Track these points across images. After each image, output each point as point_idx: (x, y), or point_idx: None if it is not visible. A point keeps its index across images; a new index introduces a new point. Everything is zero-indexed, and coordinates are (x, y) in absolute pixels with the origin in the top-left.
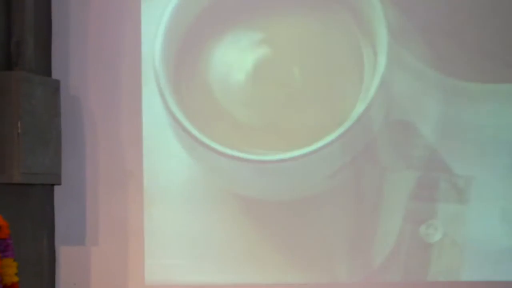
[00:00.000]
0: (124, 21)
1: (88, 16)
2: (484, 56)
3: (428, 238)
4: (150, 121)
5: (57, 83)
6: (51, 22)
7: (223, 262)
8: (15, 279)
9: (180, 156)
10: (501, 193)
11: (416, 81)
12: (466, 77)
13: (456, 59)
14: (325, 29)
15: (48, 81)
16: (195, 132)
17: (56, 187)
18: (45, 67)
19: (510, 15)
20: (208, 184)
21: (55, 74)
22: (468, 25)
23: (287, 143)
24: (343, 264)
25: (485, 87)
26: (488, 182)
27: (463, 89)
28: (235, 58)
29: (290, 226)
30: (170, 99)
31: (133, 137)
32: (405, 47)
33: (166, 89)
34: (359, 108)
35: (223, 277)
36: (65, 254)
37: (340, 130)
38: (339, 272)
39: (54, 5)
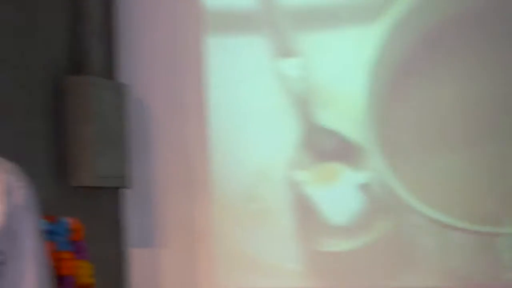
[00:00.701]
0: (189, 24)
1: (154, 20)
2: None
3: None
4: (217, 124)
5: (124, 87)
6: (118, 28)
7: (286, 264)
8: (90, 280)
9: (246, 157)
10: None
11: None
12: None
13: None
14: None
15: (116, 85)
16: None
17: (125, 190)
18: (113, 72)
19: None
20: None
21: (122, 78)
22: None
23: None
24: None
25: None
26: None
27: None
28: None
29: None
30: None
31: (200, 140)
32: None
33: None
34: None
35: (287, 281)
36: (135, 256)
37: None
38: None
39: (120, 11)
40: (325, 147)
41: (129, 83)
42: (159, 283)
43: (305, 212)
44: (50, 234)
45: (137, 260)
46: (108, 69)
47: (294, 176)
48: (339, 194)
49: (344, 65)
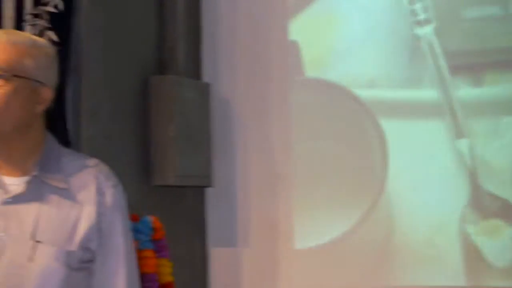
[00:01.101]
0: (273, 24)
1: (237, 19)
2: None
3: None
4: (300, 123)
5: (207, 86)
6: (201, 27)
7: (374, 267)
8: (170, 278)
9: None
10: None
11: None
12: None
13: None
14: None
15: (199, 84)
16: None
17: (207, 190)
18: (196, 71)
19: None
20: None
21: (205, 78)
22: None
23: None
24: None
25: None
26: None
27: None
28: None
29: None
30: None
31: (283, 139)
32: None
33: None
34: None
35: (372, 282)
36: (216, 255)
37: None
38: None
39: (204, 10)
40: (490, 208)
41: (213, 83)
42: (240, 283)
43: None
44: (133, 233)
45: (219, 259)
46: (193, 68)
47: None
48: (501, 245)
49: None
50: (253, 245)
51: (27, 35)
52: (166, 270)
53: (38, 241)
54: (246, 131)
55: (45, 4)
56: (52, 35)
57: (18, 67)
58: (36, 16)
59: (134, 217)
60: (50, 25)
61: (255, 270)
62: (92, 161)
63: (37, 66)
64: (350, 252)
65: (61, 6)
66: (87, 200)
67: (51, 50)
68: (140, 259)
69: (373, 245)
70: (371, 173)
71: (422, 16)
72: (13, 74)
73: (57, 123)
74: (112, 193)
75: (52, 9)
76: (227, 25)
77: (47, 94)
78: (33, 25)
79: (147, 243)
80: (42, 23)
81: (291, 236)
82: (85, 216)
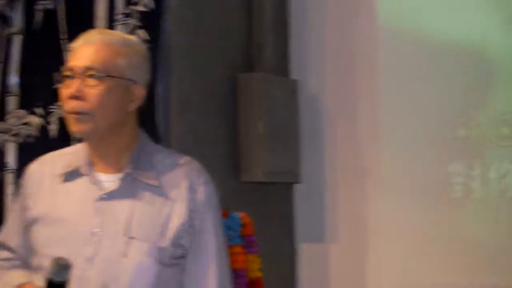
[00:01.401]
0: (361, 20)
1: (325, 16)
2: None
3: None
4: (388, 119)
5: (295, 83)
6: (289, 24)
7: (463, 262)
8: (259, 274)
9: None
10: None
11: None
12: None
13: None
14: None
15: (287, 81)
16: None
17: (295, 186)
18: (284, 68)
19: None
20: None
21: (293, 74)
22: None
23: None
24: None
25: None
26: None
27: None
28: None
29: None
30: None
31: (371, 135)
32: None
33: None
34: None
35: (461, 280)
36: (305, 251)
37: None
38: None
39: (292, 7)
40: None
41: (301, 79)
42: (328, 278)
43: None
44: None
45: (307, 255)
46: (281, 65)
47: None
48: None
49: None
50: (342, 241)
51: (119, 34)
52: (254, 266)
53: (131, 237)
54: (334, 127)
55: (136, 4)
56: (143, 33)
57: (112, 67)
58: (127, 15)
59: (224, 213)
60: (140, 24)
61: (344, 265)
62: (184, 158)
63: (130, 65)
64: (440, 247)
65: (151, 5)
66: (179, 197)
67: (143, 48)
68: (229, 255)
69: (463, 240)
70: None
71: None
72: (107, 74)
73: (148, 120)
74: (204, 190)
75: (142, 8)
76: (315, 21)
77: (140, 92)
78: (124, 24)
79: (236, 239)
80: (133, 22)
81: (380, 232)
82: (176, 213)
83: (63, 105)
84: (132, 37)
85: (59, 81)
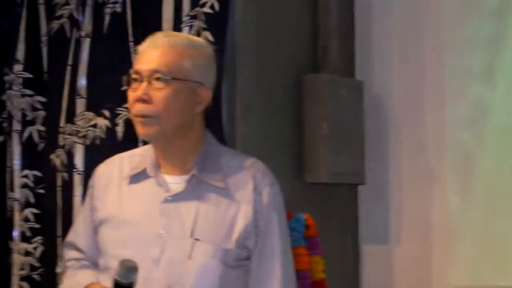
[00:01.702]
0: (427, 20)
1: (391, 16)
2: None
3: None
4: (454, 121)
5: (360, 84)
6: (355, 25)
7: None
8: (323, 275)
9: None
10: None
11: None
12: None
13: None
14: None
15: (352, 82)
16: None
17: (360, 187)
18: (349, 69)
19: None
20: None
21: (358, 75)
22: None
23: None
24: None
25: None
26: None
27: None
28: None
29: None
30: None
31: (437, 137)
32: None
33: None
34: None
35: None
36: (368, 253)
37: None
38: None
39: (357, 8)
40: None
41: (366, 80)
42: (392, 281)
43: None
44: None
45: (370, 257)
46: (346, 66)
47: None
48: None
49: None
50: (406, 244)
51: (185, 36)
52: (318, 267)
53: (196, 239)
54: (400, 129)
55: (202, 6)
56: (208, 35)
57: (178, 70)
58: (193, 17)
59: (288, 215)
60: (206, 26)
61: (408, 268)
62: (250, 160)
63: (196, 67)
64: (507, 250)
65: (217, 6)
66: (244, 198)
67: (209, 50)
68: (293, 256)
69: None
70: None
71: None
72: (173, 77)
73: (213, 121)
74: (269, 192)
75: (208, 10)
76: (381, 21)
77: (206, 94)
78: (190, 26)
79: (300, 240)
80: (199, 24)
81: (445, 235)
82: (242, 214)
83: (130, 108)
84: (198, 39)
85: (126, 84)
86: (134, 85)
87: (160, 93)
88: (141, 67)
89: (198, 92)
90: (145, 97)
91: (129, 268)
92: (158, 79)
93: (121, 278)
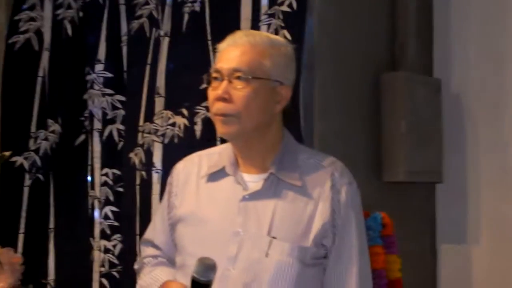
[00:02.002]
0: (506, 17)
1: (470, 15)
2: None
3: None
4: None
5: (438, 82)
6: (433, 23)
7: None
8: (399, 274)
9: None
10: None
11: None
12: None
13: None
14: None
15: (430, 80)
16: None
17: (437, 185)
18: (427, 67)
19: None
20: None
21: (436, 73)
22: None
23: None
24: None
25: None
26: None
27: None
28: None
29: None
30: None
31: None
32: None
33: None
34: None
35: None
36: (446, 252)
37: None
38: None
39: (436, 6)
40: None
41: (445, 78)
42: (469, 280)
43: None
44: None
45: (448, 256)
46: (424, 64)
47: None
48: None
49: None
50: (484, 242)
51: (265, 34)
52: (395, 267)
53: (273, 237)
54: (478, 127)
55: (280, 4)
56: (286, 33)
57: (258, 69)
58: (271, 15)
59: (364, 213)
60: (284, 24)
61: (486, 268)
62: (328, 158)
63: (276, 66)
64: None
65: (295, 5)
66: (322, 197)
67: (289, 48)
68: (369, 255)
69: None
70: None
71: None
72: (253, 76)
73: (291, 120)
74: (347, 190)
75: (286, 9)
76: (459, 19)
77: (286, 93)
78: (268, 24)
79: (376, 239)
80: (277, 22)
81: None
82: (319, 213)
83: (210, 106)
84: (279, 37)
85: (207, 83)
86: (215, 83)
87: (240, 92)
88: (222, 66)
89: (277, 91)
90: (225, 96)
91: (208, 266)
92: (238, 78)
93: (199, 276)
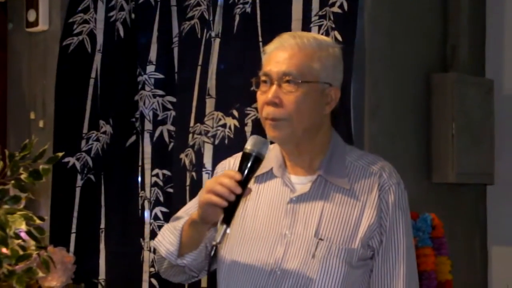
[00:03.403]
0: None
1: None
2: None
3: None
4: None
5: (490, 83)
6: (486, 23)
7: None
8: (449, 276)
9: None
10: None
11: None
12: None
13: None
14: None
15: (482, 81)
16: None
17: (488, 187)
18: (479, 68)
19: None
20: None
21: (488, 74)
22: None
23: None
24: None
25: None
26: None
27: None
28: None
29: None
30: None
31: None
32: None
33: None
34: None
35: None
36: (497, 253)
37: None
38: None
39: (489, 7)
40: None
41: (497, 79)
42: None
43: None
44: (412, 230)
45: (499, 258)
46: (476, 65)
47: None
48: None
49: None
50: None
51: (312, 36)
52: (445, 268)
53: (320, 239)
54: None
55: (331, 5)
56: (337, 35)
57: (307, 72)
58: (322, 17)
59: (414, 215)
60: (335, 25)
61: None
62: (376, 160)
63: (325, 68)
64: None
65: (346, 6)
66: (370, 198)
67: (337, 49)
68: (419, 256)
69: None
70: None
71: None
72: (303, 79)
73: (341, 121)
74: (395, 192)
75: (337, 10)
76: None
77: (335, 94)
78: (319, 26)
79: (426, 241)
80: (328, 23)
81: None
82: (366, 214)
83: (260, 110)
84: (326, 38)
85: (256, 86)
86: (263, 87)
87: (290, 96)
88: (271, 70)
89: (326, 93)
90: (276, 100)
91: (261, 141)
92: (288, 81)
93: (253, 147)
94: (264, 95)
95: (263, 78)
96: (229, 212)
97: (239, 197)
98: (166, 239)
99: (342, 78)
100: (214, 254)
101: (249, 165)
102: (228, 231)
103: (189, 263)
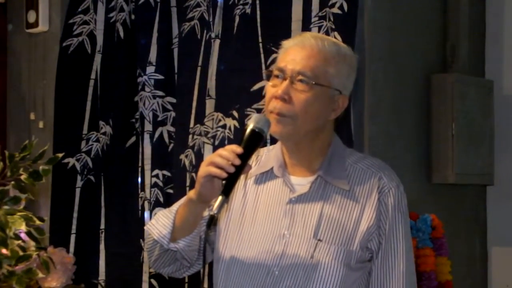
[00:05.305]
0: None
1: None
2: None
3: None
4: None
5: (490, 83)
6: (485, 24)
7: None
8: (449, 277)
9: None
10: None
11: None
12: None
13: None
14: None
15: (481, 82)
16: None
17: (488, 188)
18: (479, 68)
19: None
20: None
21: (488, 75)
22: None
23: None
24: None
25: None
26: None
27: None
28: None
29: None
30: None
31: None
32: None
33: None
34: None
35: None
36: (497, 255)
37: None
38: None
39: (488, 7)
40: None
41: (497, 80)
42: None
43: None
44: (412, 231)
45: (499, 259)
46: (476, 66)
47: None
48: None
49: None
50: None
51: (332, 41)
52: (445, 269)
53: (319, 240)
54: None
55: (331, 6)
56: (337, 35)
57: (322, 75)
58: (322, 18)
59: (414, 215)
60: (335, 26)
61: None
62: (375, 162)
63: (339, 74)
64: None
65: (345, 7)
66: (369, 200)
67: (354, 59)
68: (419, 257)
69: None
70: None
71: None
72: (316, 81)
73: (341, 122)
74: (394, 194)
75: (337, 11)
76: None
77: (342, 103)
78: (319, 26)
79: (426, 241)
80: (328, 24)
81: None
82: (365, 216)
83: (267, 103)
84: (345, 46)
85: (266, 78)
86: (275, 81)
87: (301, 95)
88: (286, 66)
89: (335, 100)
90: (285, 96)
91: (266, 119)
92: (301, 80)
93: (256, 123)
94: (274, 88)
95: (276, 72)
96: (228, 184)
97: (239, 170)
98: (159, 222)
99: (352, 88)
100: (211, 224)
101: (250, 139)
102: (226, 202)
103: (181, 248)
